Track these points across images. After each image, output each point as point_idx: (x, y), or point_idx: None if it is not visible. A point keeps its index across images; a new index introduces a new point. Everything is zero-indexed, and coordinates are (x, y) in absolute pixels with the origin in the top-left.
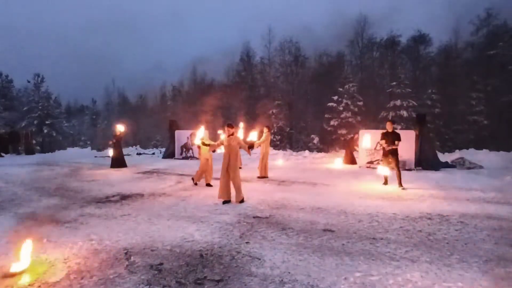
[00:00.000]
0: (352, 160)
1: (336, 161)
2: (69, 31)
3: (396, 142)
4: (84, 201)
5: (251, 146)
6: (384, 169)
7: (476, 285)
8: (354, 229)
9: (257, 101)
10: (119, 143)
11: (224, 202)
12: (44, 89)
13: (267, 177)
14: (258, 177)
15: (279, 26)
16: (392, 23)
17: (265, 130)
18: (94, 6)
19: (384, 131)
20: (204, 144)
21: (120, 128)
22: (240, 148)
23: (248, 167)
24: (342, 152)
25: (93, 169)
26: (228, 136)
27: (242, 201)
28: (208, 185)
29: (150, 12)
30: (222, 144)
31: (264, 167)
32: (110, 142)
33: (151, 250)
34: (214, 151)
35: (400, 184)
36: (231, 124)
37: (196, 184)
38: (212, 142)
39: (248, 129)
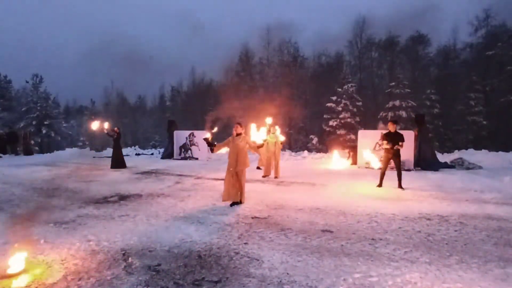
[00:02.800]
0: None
1: (339, 161)
2: (69, 30)
3: (400, 143)
4: (82, 202)
5: (260, 146)
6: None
7: (476, 286)
8: (353, 230)
9: (256, 102)
10: (118, 143)
11: (232, 204)
12: (42, 90)
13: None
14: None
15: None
16: (391, 24)
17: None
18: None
19: (386, 131)
20: (209, 144)
21: (93, 125)
22: (248, 148)
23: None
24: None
25: (92, 170)
26: (236, 135)
27: (240, 202)
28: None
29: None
30: (229, 144)
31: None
32: (112, 131)
33: (149, 251)
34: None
35: (400, 185)
36: (240, 123)
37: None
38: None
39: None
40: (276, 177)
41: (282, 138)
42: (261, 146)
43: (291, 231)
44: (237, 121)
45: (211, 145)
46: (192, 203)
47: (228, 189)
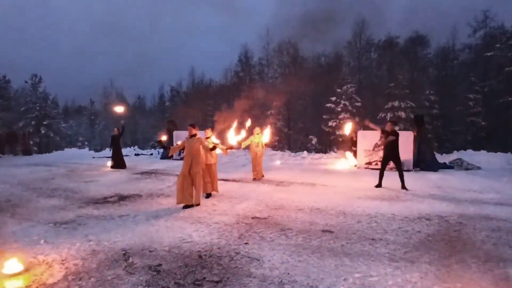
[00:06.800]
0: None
1: (341, 161)
2: (68, 31)
3: (389, 137)
4: (82, 202)
5: (213, 149)
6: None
7: (475, 286)
8: (353, 230)
9: (255, 102)
10: (117, 143)
11: (185, 207)
12: (41, 90)
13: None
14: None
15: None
16: (390, 24)
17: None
18: (93, 7)
19: (383, 130)
20: (162, 145)
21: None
22: (205, 149)
23: (247, 168)
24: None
25: (91, 170)
26: (190, 137)
27: (197, 205)
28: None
29: (148, 11)
30: (184, 146)
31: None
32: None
33: (150, 251)
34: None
35: (403, 185)
36: (193, 124)
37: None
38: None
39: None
40: (254, 179)
41: (265, 139)
42: (213, 148)
43: (292, 231)
44: (189, 123)
45: (165, 148)
46: None
47: (182, 192)
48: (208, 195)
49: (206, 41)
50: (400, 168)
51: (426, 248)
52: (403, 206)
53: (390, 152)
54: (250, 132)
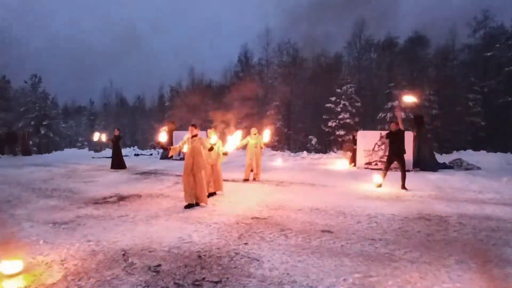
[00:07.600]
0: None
1: (339, 162)
2: (68, 31)
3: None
4: (82, 202)
5: (210, 149)
6: (378, 178)
7: (475, 286)
8: (353, 230)
9: (255, 102)
10: (117, 144)
11: (187, 206)
12: (41, 90)
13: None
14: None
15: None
16: (390, 24)
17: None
18: (93, 7)
19: (387, 131)
20: (162, 146)
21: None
22: (205, 149)
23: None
24: (342, 153)
25: (90, 170)
26: (192, 137)
27: (197, 204)
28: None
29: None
30: (184, 146)
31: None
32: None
33: (149, 251)
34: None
35: (404, 186)
36: (195, 125)
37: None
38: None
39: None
40: (255, 179)
41: (264, 139)
42: (211, 149)
43: (291, 231)
44: (192, 122)
45: (166, 149)
46: None
47: (187, 191)
48: (208, 195)
49: (207, 38)
50: (403, 168)
51: (425, 248)
52: (403, 206)
53: (396, 152)
54: (247, 133)
